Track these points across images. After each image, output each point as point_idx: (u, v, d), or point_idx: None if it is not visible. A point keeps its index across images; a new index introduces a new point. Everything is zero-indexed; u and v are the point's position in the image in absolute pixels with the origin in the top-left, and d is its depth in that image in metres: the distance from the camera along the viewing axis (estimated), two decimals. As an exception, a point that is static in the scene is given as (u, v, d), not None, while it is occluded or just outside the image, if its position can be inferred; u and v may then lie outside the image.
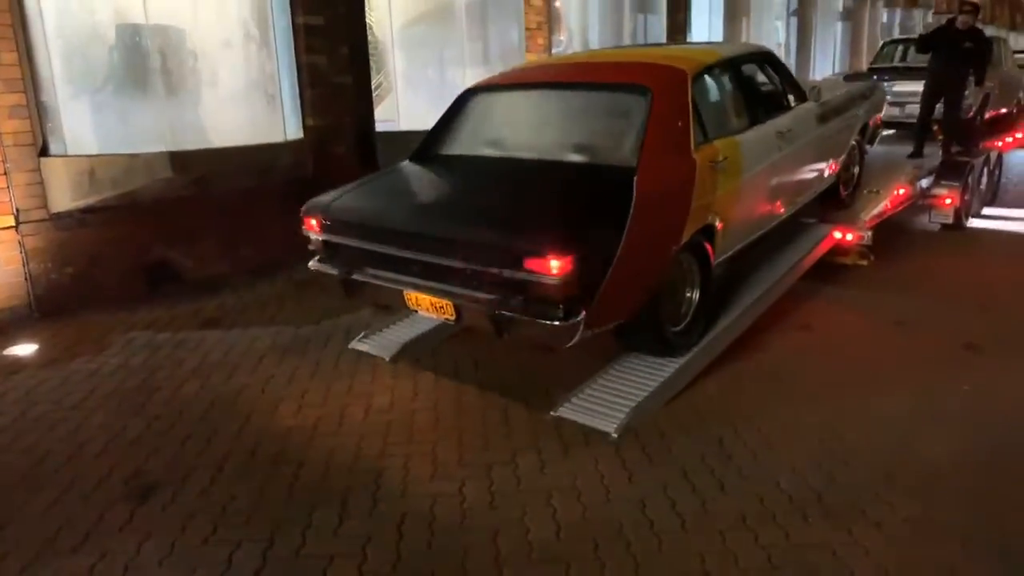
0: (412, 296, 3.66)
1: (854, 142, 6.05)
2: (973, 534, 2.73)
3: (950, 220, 7.14)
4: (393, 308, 4.41)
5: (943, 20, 8.33)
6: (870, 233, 5.56)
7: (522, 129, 4.47)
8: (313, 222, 4.03)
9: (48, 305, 5.16)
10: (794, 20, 13.73)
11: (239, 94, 5.67)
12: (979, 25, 7.52)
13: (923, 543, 2.69)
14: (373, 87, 7.19)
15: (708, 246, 4.02)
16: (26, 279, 5.09)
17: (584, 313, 3.22)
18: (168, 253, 5.65)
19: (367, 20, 7.13)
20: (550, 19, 9.07)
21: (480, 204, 3.77)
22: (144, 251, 5.55)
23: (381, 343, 4.55)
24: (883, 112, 6.96)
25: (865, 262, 5.90)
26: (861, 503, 2.92)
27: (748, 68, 4.88)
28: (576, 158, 3.97)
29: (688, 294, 4.08)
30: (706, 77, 4.30)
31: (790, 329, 4.75)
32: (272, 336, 4.85)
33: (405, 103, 7.06)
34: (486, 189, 3.93)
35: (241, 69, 5.65)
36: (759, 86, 4.96)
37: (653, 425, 3.53)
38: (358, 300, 4.11)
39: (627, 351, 4.07)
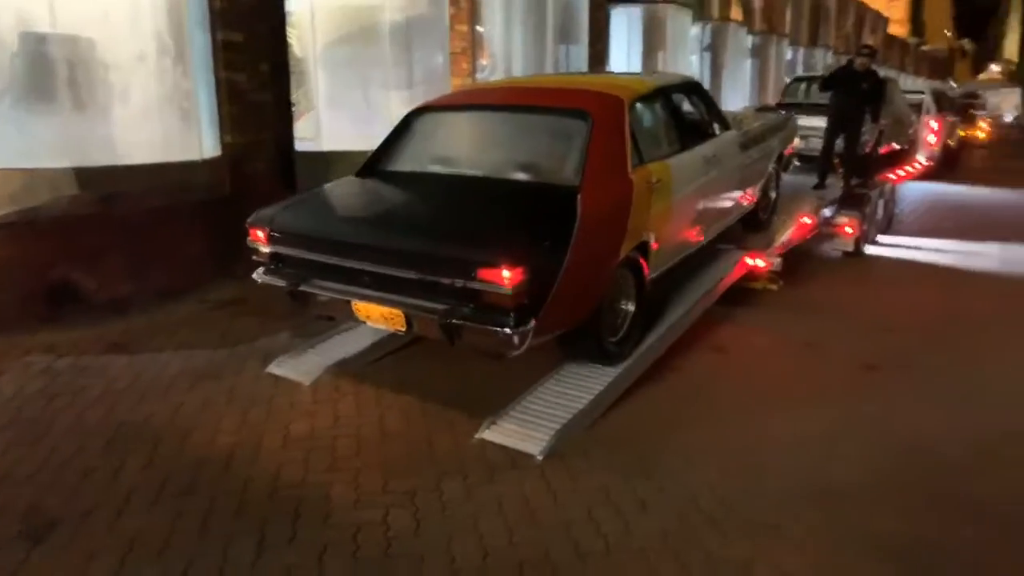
0: (361, 307, 3.72)
1: (771, 169, 6.43)
2: (879, 543, 2.88)
3: (851, 248, 7.58)
4: (340, 320, 4.46)
5: (843, 61, 8.92)
6: (779, 259, 5.85)
7: (469, 148, 4.68)
8: (260, 233, 4.04)
9: (-65, 328, 4.79)
10: (707, 55, 14.39)
11: (152, 109, 5.46)
12: (874, 66, 8.09)
13: (833, 554, 2.82)
14: (292, 105, 7.07)
15: (643, 262, 4.26)
16: (-91, 300, 4.71)
17: (533, 321, 3.37)
18: (71, 273, 5.34)
19: (289, 39, 7.03)
20: (474, 45, 9.19)
21: (432, 217, 3.93)
22: (45, 271, 5.23)
23: (300, 367, 4.43)
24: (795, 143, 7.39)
25: (775, 287, 6.20)
26: (778, 521, 3.03)
27: (678, 97, 5.19)
28: (522, 176, 4.15)
29: (624, 306, 4.29)
30: (640, 104, 4.56)
31: (705, 351, 4.91)
32: (183, 361, 4.65)
33: (327, 123, 6.97)
34: (436, 203, 4.08)
35: (155, 84, 5.44)
36: (688, 114, 5.24)
37: (577, 446, 3.58)
38: (305, 311, 4.15)
39: (550, 372, 4.13)
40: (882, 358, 4.85)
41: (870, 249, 8.13)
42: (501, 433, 3.63)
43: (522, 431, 3.62)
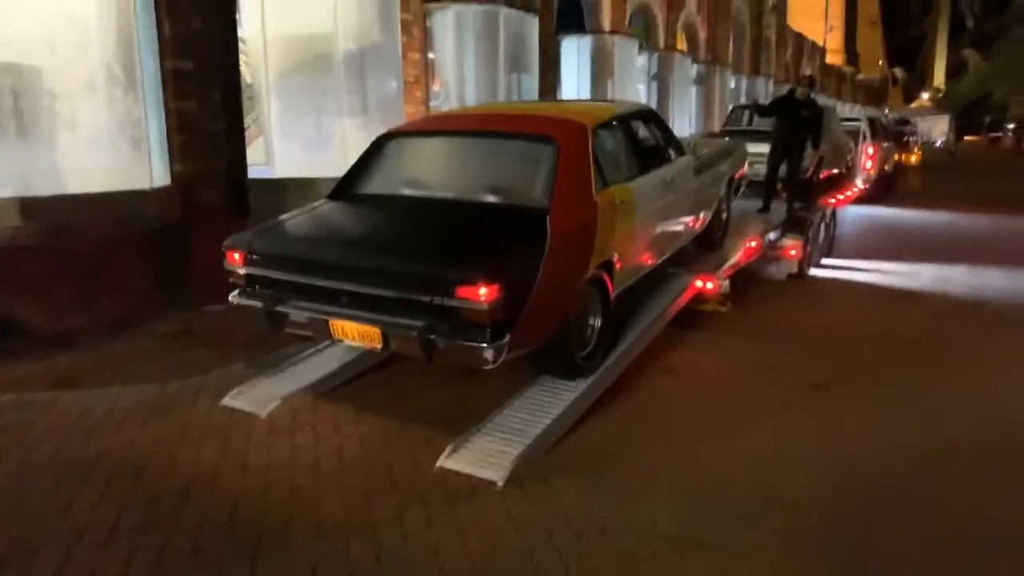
0: (338, 325, 3.82)
1: (723, 192, 6.70)
2: (833, 556, 2.98)
3: (795, 270, 7.86)
4: (317, 339, 4.56)
5: (784, 90, 9.29)
6: (727, 282, 6.02)
7: (439, 172, 4.83)
8: (236, 256, 4.14)
9: None
10: (654, 83, 14.80)
11: (101, 138, 5.38)
12: (812, 94, 8.45)
13: (788, 569, 2.91)
14: (244, 131, 7.03)
15: (608, 279, 4.44)
16: None
17: (508, 336, 3.52)
18: (15, 307, 5.19)
19: (241, 65, 7.01)
20: (427, 73, 9.29)
21: (408, 237, 4.04)
22: (-15, 304, 5.07)
23: (255, 398, 4.38)
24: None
25: (724, 308, 6.40)
26: (732, 536, 3.12)
27: (636, 124, 5.43)
28: (492, 199, 4.31)
29: (592, 322, 4.44)
30: (602, 131, 4.75)
31: (657, 373, 5.02)
32: (134, 395, 4.55)
33: (281, 150, 6.96)
34: (411, 224, 4.21)
35: (104, 112, 5.37)
36: (645, 140, 5.48)
37: (537, 471, 3.61)
38: (280, 332, 4.20)
39: (509, 398, 4.17)
40: (829, 377, 5.03)
41: (814, 271, 8.43)
42: (462, 460, 3.64)
43: (482, 458, 3.64)
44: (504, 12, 9.62)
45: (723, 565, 2.93)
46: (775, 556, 3.00)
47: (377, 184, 4.70)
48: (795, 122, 8.05)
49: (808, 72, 25.04)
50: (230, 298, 4.24)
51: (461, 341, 3.50)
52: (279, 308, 3.98)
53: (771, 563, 2.96)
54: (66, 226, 5.30)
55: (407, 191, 4.63)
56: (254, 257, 4.10)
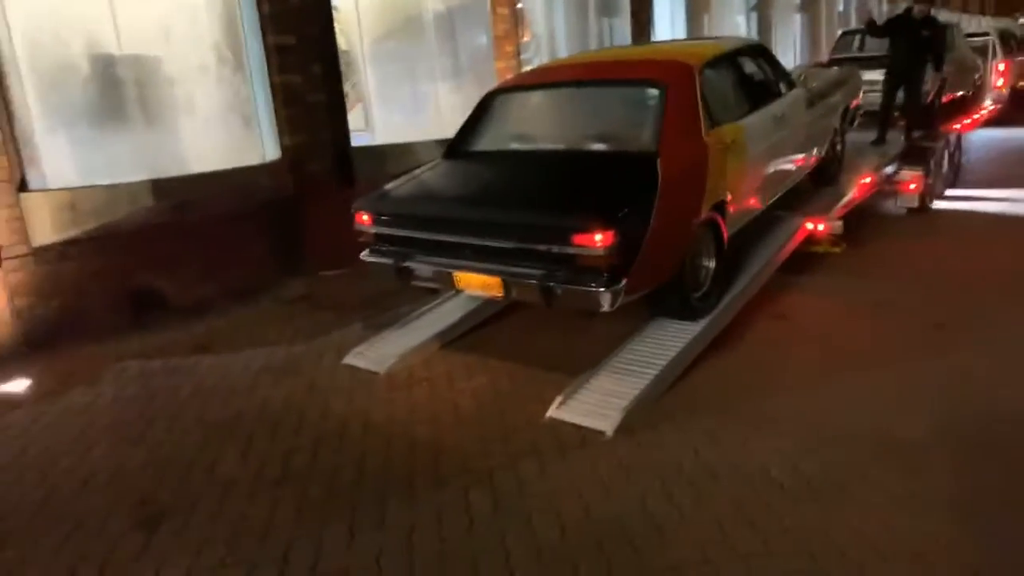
0: (462, 277, 4.08)
1: (837, 124, 6.51)
2: (956, 503, 2.89)
3: (916, 204, 7.37)
4: (441, 292, 4.87)
5: (900, 8, 8.60)
6: (839, 223, 5.75)
7: (547, 124, 4.96)
8: (365, 217, 4.45)
9: (37, 339, 5.16)
10: (754, 15, 14.01)
11: (216, 118, 5.71)
12: (934, 12, 7.78)
13: (909, 516, 2.84)
14: (345, 101, 7.24)
15: (721, 221, 4.48)
16: (12, 315, 5.08)
17: (624, 280, 3.65)
18: (153, 280, 5.67)
19: (336, 35, 7.19)
20: (517, 25, 9.20)
21: (523, 190, 4.20)
22: (128, 280, 5.57)
23: (374, 357, 4.63)
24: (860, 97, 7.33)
25: (837, 249, 6.13)
26: (848, 484, 3.06)
27: (744, 60, 5.36)
28: (601, 147, 4.43)
29: (706, 263, 4.51)
30: (709, 70, 4.71)
31: (767, 319, 4.90)
32: (265, 357, 4.90)
33: (379, 117, 7.14)
34: (525, 177, 4.36)
35: (216, 93, 5.69)
36: (754, 76, 5.40)
37: (646, 421, 3.66)
38: (408, 285, 4.48)
39: (616, 348, 4.22)
40: (951, 318, 4.76)
41: (937, 204, 7.89)
42: (571, 411, 3.74)
43: (592, 408, 3.72)
44: (592, -45, 9.34)
45: (839, 513, 2.89)
46: (894, 505, 2.93)
47: (488, 141, 4.88)
48: (913, 44, 7.46)
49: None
50: (361, 256, 4.55)
51: (579, 287, 3.65)
52: (406, 264, 4.26)
53: (889, 511, 2.89)
54: (191, 203, 5.70)
55: (518, 145, 4.80)
56: (382, 217, 4.39)
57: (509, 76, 8.99)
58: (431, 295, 5.29)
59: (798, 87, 5.77)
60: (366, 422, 3.92)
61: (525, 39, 9.44)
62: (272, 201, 6.35)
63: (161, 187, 5.56)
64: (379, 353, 4.67)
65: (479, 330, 5.05)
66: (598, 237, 3.54)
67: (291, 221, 6.57)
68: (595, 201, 3.77)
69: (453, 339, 4.86)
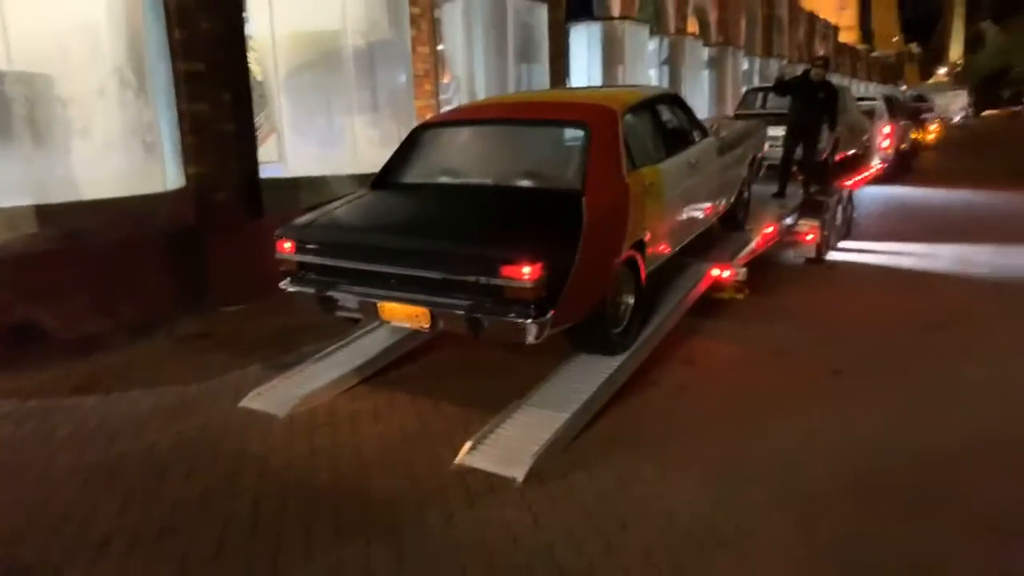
0: (387, 307, 4.01)
1: (745, 173, 6.84)
2: (853, 550, 2.95)
3: (812, 255, 7.76)
4: (364, 322, 4.74)
5: (799, 71, 9.17)
6: (744, 270, 5.96)
7: (476, 160, 5.04)
8: (287, 245, 4.35)
9: None
10: (665, 68, 14.65)
11: (114, 143, 5.40)
12: (827, 75, 8.33)
13: (809, 561, 2.88)
14: (256, 131, 7.04)
15: (640, 259, 4.62)
16: None
17: (551, 312, 3.70)
18: (33, 313, 5.24)
19: (250, 64, 7.01)
20: (436, 66, 9.25)
21: (452, 221, 4.21)
22: (5, 312, 5.13)
23: (274, 399, 4.40)
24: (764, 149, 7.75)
25: (741, 295, 6.33)
26: (752, 528, 3.09)
27: (661, 107, 5.57)
28: (528, 183, 4.52)
29: (626, 300, 4.62)
30: (630, 115, 4.88)
31: (675, 364, 4.98)
32: (155, 398, 4.58)
33: (293, 149, 6.96)
34: (453, 209, 4.39)
35: (116, 117, 5.39)
36: (671, 123, 5.63)
37: (557, 466, 3.60)
38: (331, 315, 4.39)
39: (527, 393, 4.16)
40: (849, 362, 4.97)
41: (832, 255, 8.33)
42: (481, 457, 3.64)
43: (502, 453, 3.64)
44: (512, 1, 9.55)
45: (745, 559, 2.91)
46: (798, 549, 2.97)
47: (417, 173, 4.90)
48: (810, 104, 7.96)
49: (822, 52, 24.72)
50: (281, 286, 4.41)
51: (506, 318, 3.67)
52: (330, 293, 4.17)
53: (791, 557, 2.93)
54: (83, 231, 5.34)
55: (447, 179, 4.85)
56: (306, 245, 4.29)
57: (428, 115, 9.01)
58: (340, 334, 5.14)
59: (710, 136, 6.04)
60: (262, 469, 3.69)
61: (445, 80, 9.50)
62: (173, 232, 6.04)
63: (49, 213, 5.19)
64: (279, 395, 4.44)
65: (389, 371, 4.90)
66: (526, 270, 3.59)
67: (193, 253, 6.26)
68: (523, 234, 3.84)
69: (360, 380, 4.69)
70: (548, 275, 3.64)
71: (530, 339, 3.69)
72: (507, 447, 3.68)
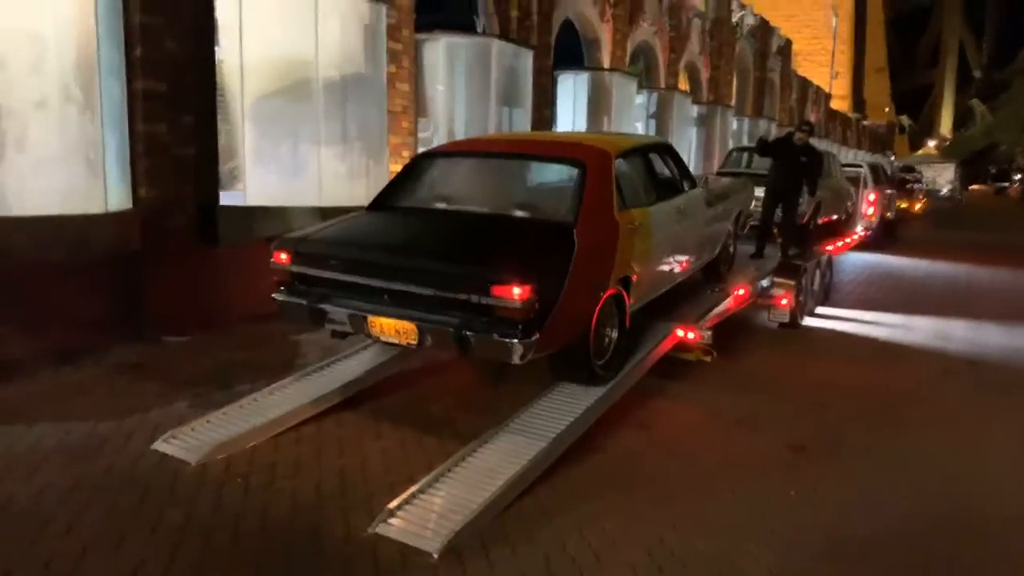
0: (377, 322, 4.10)
1: (730, 227, 6.93)
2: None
3: (787, 319, 7.52)
4: (357, 336, 4.63)
5: (783, 133, 9.09)
6: (710, 333, 5.69)
7: (473, 189, 5.24)
8: (283, 255, 4.42)
9: None
10: (653, 122, 14.64)
11: (52, 159, 5.12)
12: (813, 140, 8.24)
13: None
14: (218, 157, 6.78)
15: (625, 295, 4.76)
16: None
17: (537, 335, 3.80)
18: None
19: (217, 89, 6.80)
20: (416, 104, 9.09)
21: (446, 242, 4.35)
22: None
23: (190, 443, 4.05)
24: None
25: (708, 358, 6.02)
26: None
27: (653, 155, 5.80)
28: (523, 214, 4.72)
29: (610, 333, 4.72)
30: (623, 158, 5.11)
31: (628, 428, 4.68)
32: (63, 434, 4.22)
33: (254, 178, 6.70)
34: (448, 232, 4.54)
35: (56, 132, 5.13)
36: (662, 171, 5.86)
37: (479, 543, 3.26)
38: (321, 327, 4.51)
39: (457, 453, 3.86)
40: (811, 438, 4.69)
41: (808, 321, 8.10)
42: (397, 526, 3.30)
43: (420, 524, 3.30)
44: (497, 45, 9.46)
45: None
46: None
47: (414, 199, 5.05)
48: (791, 167, 7.83)
49: (810, 118, 25.04)
50: (273, 295, 4.46)
51: (494, 336, 3.76)
52: (321, 305, 4.24)
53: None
54: (8, 249, 5.02)
55: (444, 205, 5.00)
56: (302, 256, 4.36)
57: (405, 152, 8.83)
58: (284, 372, 4.95)
59: (699, 187, 6.21)
60: (155, 524, 3.33)
61: (423, 119, 9.34)
62: (113, 255, 5.74)
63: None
64: (197, 438, 4.10)
65: (326, 416, 4.58)
66: (516, 290, 3.69)
67: (134, 278, 5.95)
68: (516, 258, 3.95)
69: (289, 428, 4.36)
70: (537, 298, 3.75)
71: (515, 359, 3.79)
72: (427, 516, 3.34)
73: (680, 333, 5.63)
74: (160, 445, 4.05)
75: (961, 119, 67.72)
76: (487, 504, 3.43)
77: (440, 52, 9.03)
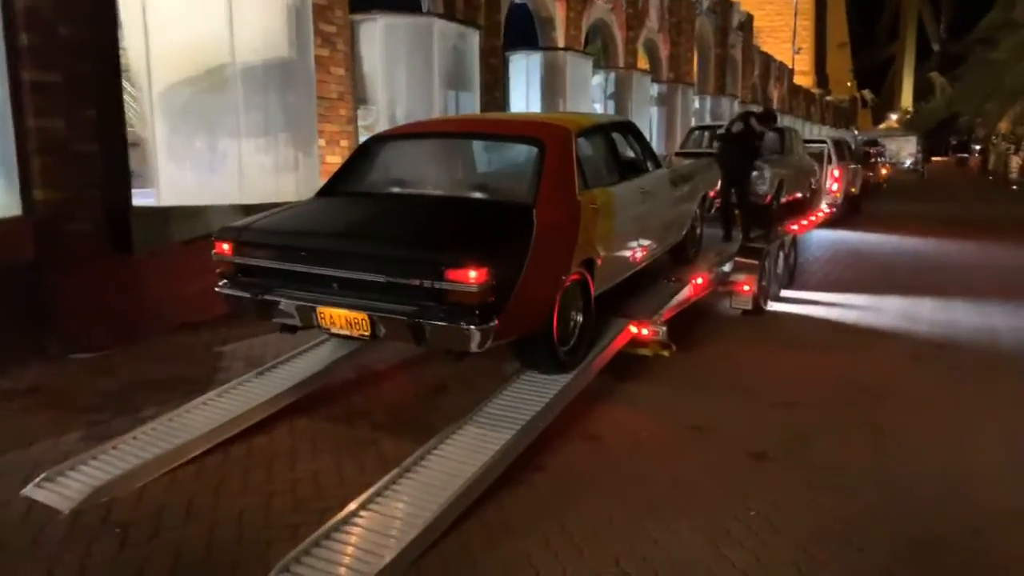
0: (326, 313, 3.88)
1: (697, 208, 6.68)
2: None
3: (750, 306, 7.13)
4: (309, 329, 4.27)
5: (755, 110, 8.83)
6: (664, 328, 5.26)
7: (428, 171, 4.99)
8: (226, 245, 4.19)
9: None
10: (611, 103, 14.18)
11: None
12: (778, 114, 7.98)
13: None
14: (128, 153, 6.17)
15: (589, 278, 4.57)
16: None
17: (496, 321, 3.60)
18: None
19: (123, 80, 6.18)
20: (354, 89, 8.53)
21: (398, 226, 4.12)
22: None
23: (66, 487, 3.50)
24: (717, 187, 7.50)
25: (667, 352, 5.57)
26: None
27: (615, 134, 5.57)
28: (480, 195, 4.55)
29: (575, 317, 4.55)
30: (584, 137, 4.95)
31: (575, 440, 4.24)
32: (-77, 478, 3.67)
33: (167, 175, 6.12)
34: (401, 215, 4.31)
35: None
36: (625, 150, 5.63)
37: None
38: (268, 321, 4.32)
39: (372, 487, 3.37)
40: (774, 443, 4.28)
41: (773, 305, 7.73)
42: (295, 580, 2.82)
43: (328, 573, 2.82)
44: (439, 25, 8.91)
45: None
46: None
47: (366, 183, 4.82)
48: (732, 148, 7.62)
49: (752, 108, 24.78)
50: (216, 288, 4.24)
51: (450, 323, 3.57)
52: (267, 297, 4.02)
53: None
54: None
55: (397, 189, 4.80)
56: (245, 245, 4.13)
57: (343, 141, 8.27)
58: (203, 388, 4.53)
59: (663, 167, 6.04)
60: (3, 594, 2.82)
61: (367, 105, 8.77)
62: (4, 266, 5.14)
63: None
64: (77, 480, 3.55)
65: (233, 443, 4.07)
66: (472, 274, 3.50)
67: (31, 292, 5.36)
68: (472, 240, 3.77)
69: (185, 462, 3.85)
70: (494, 282, 3.56)
71: (473, 347, 3.62)
72: (322, 569, 2.86)
73: (634, 330, 5.20)
74: (31, 491, 3.50)
75: (921, 92, 68.34)
76: (401, 552, 2.94)
77: (378, 34, 8.46)
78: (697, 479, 3.86)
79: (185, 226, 6.21)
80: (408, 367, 5.48)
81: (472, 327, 3.55)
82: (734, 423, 4.61)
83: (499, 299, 3.63)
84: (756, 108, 8.39)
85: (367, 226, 4.18)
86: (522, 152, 4.68)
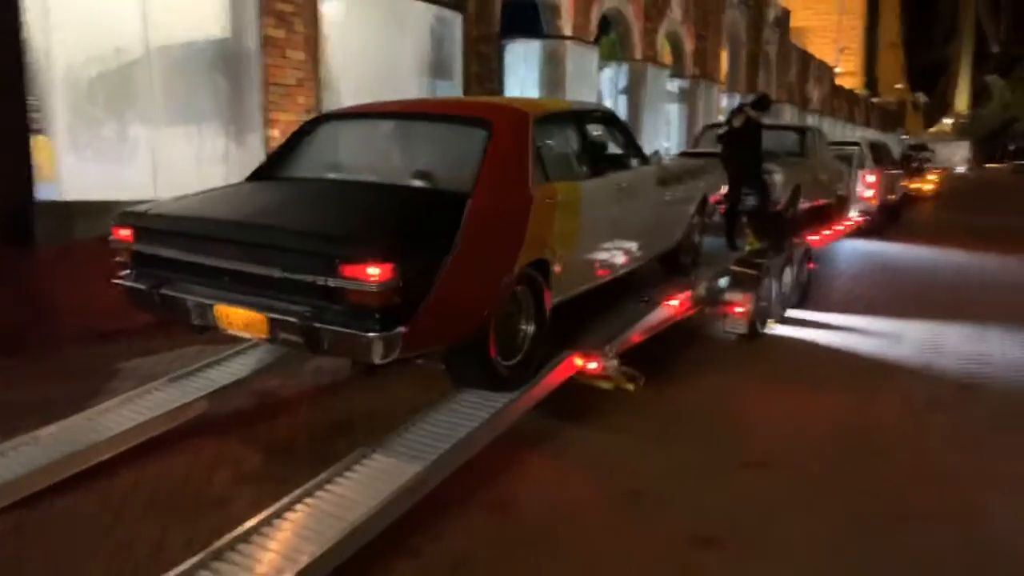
0: (223, 312, 3.45)
1: (693, 213, 6.05)
2: None
3: (744, 330, 6.14)
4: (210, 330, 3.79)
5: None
6: (616, 362, 4.34)
7: (366, 155, 4.65)
8: (124, 231, 3.83)
9: None
10: (623, 98, 13.19)
11: None
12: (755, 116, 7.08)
13: None
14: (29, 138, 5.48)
15: (543, 282, 4.07)
16: None
17: (404, 328, 3.12)
18: None
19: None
20: (317, 76, 7.76)
21: (306, 215, 3.68)
22: None
23: None
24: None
25: (632, 386, 4.62)
26: None
27: (590, 124, 5.06)
28: (414, 183, 4.04)
29: (524, 327, 4.05)
30: (548, 123, 4.53)
31: (473, 510, 3.36)
32: None
33: (70, 167, 5.42)
34: (316, 203, 3.87)
35: None
36: (601, 142, 5.07)
37: None
38: (171, 318, 3.94)
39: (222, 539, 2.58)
40: (730, 522, 3.35)
41: (776, 328, 6.72)
42: None
43: None
44: (417, 7, 8.09)
45: None
46: None
47: (300, 167, 4.40)
48: (747, 144, 6.66)
49: (752, 97, 23.45)
50: (114, 280, 3.86)
51: (347, 329, 3.10)
52: (164, 291, 3.62)
53: None
54: None
55: (330, 174, 4.37)
56: (144, 231, 3.74)
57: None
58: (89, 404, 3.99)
59: (652, 164, 5.45)
60: None
61: (329, 94, 8.00)
62: None
63: None
64: None
65: (104, 471, 3.33)
66: (372, 270, 3.01)
67: None
68: (378, 230, 3.28)
69: (58, 479, 3.33)
70: (402, 281, 3.06)
71: (375, 358, 3.13)
72: None
73: (578, 363, 4.31)
74: None
75: (978, 96, 65.49)
76: None
77: (344, 14, 7.68)
78: (630, 565, 2.94)
79: (97, 223, 5.50)
80: (329, 391, 4.74)
81: (372, 334, 3.06)
82: (686, 489, 3.68)
83: (409, 301, 3.13)
84: (749, 97, 7.49)
85: (272, 214, 3.69)
86: (468, 135, 4.11)
